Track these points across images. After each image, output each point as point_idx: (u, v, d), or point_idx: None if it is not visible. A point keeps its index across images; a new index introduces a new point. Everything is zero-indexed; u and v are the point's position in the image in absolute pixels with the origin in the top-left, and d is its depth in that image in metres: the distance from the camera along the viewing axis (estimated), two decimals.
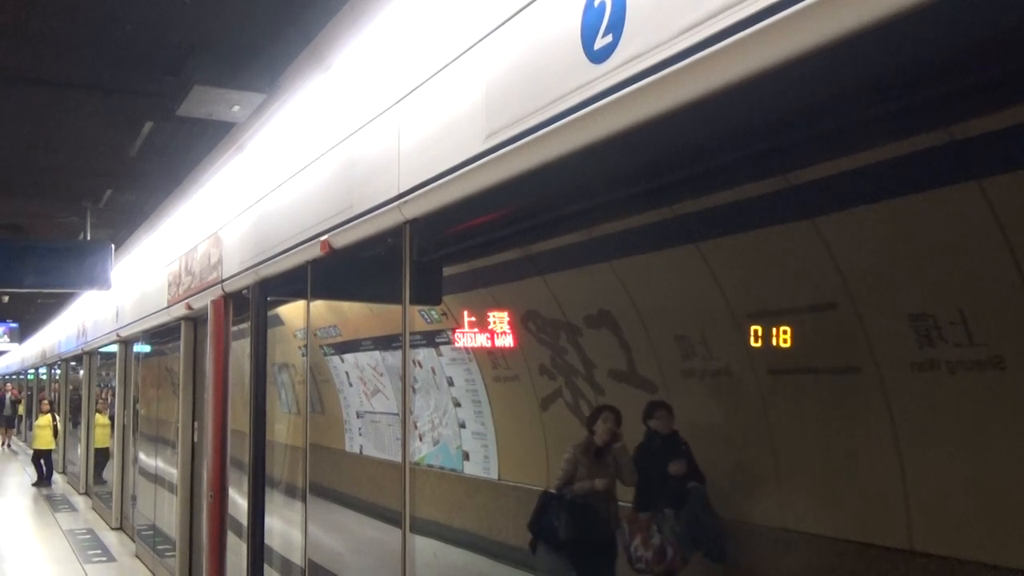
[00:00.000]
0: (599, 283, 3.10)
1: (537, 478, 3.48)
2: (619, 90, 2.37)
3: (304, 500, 5.08)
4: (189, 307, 7.83)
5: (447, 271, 3.92)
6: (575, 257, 3.17)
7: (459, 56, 3.26)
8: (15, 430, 30.11)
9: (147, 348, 11.41)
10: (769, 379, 2.51)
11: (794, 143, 2.21)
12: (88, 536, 12.45)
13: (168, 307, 8.93)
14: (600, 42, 2.46)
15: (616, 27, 2.39)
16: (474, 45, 3.15)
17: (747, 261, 2.59)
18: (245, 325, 6.37)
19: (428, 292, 3.84)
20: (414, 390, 3.99)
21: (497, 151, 2.97)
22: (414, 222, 3.67)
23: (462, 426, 3.85)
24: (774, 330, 2.39)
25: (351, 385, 4.98)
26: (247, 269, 5.99)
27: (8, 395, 29.92)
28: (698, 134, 2.32)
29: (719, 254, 2.63)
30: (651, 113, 2.30)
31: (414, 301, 3.78)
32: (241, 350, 6.56)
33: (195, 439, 8.44)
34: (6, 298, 18.72)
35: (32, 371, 31.25)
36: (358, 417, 4.90)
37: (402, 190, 3.68)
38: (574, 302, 3.20)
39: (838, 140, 2.13)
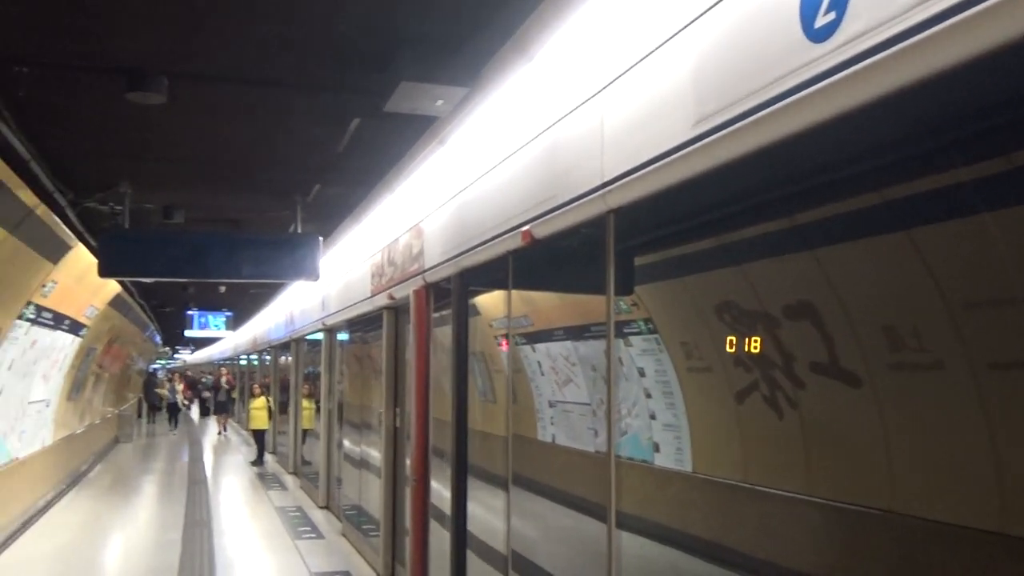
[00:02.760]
0: (800, 272, 3.04)
1: (732, 472, 3.45)
2: (841, 71, 2.32)
3: (507, 489, 5.22)
4: (391, 297, 8.18)
5: (641, 260, 3.94)
6: (776, 246, 3.12)
7: (666, 40, 3.27)
8: (230, 415, 31.39)
9: (349, 336, 11.98)
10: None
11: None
12: (297, 514, 13.23)
13: (371, 297, 9.34)
14: (821, 20, 2.41)
15: (839, 3, 2.34)
16: (682, 28, 3.15)
17: (965, 249, 2.48)
18: (444, 314, 6.60)
19: (625, 281, 3.87)
20: (606, 381, 4.03)
21: (706, 138, 2.96)
22: (618, 211, 3.71)
23: (652, 417, 3.84)
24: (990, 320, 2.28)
25: (543, 375, 5.06)
26: (448, 260, 6.20)
27: (223, 379, 30.97)
28: (928, 115, 2.23)
29: (933, 242, 2.53)
30: (875, 95, 2.23)
31: (616, 291, 3.83)
32: (441, 339, 6.81)
33: (397, 425, 8.81)
34: (223, 288, 20.13)
35: (244, 357, 33.39)
36: (550, 406, 4.97)
37: (606, 179, 3.73)
38: (772, 292, 3.15)
39: None
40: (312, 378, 17.29)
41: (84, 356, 16.20)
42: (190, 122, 7.14)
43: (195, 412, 37.42)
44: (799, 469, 3.10)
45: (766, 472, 3.25)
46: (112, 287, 14.93)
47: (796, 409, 3.06)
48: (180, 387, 32.85)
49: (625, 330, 3.94)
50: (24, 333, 11.05)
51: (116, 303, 16.59)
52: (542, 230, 4.50)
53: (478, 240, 5.51)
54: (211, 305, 25.37)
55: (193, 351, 58.86)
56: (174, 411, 31.33)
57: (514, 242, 4.85)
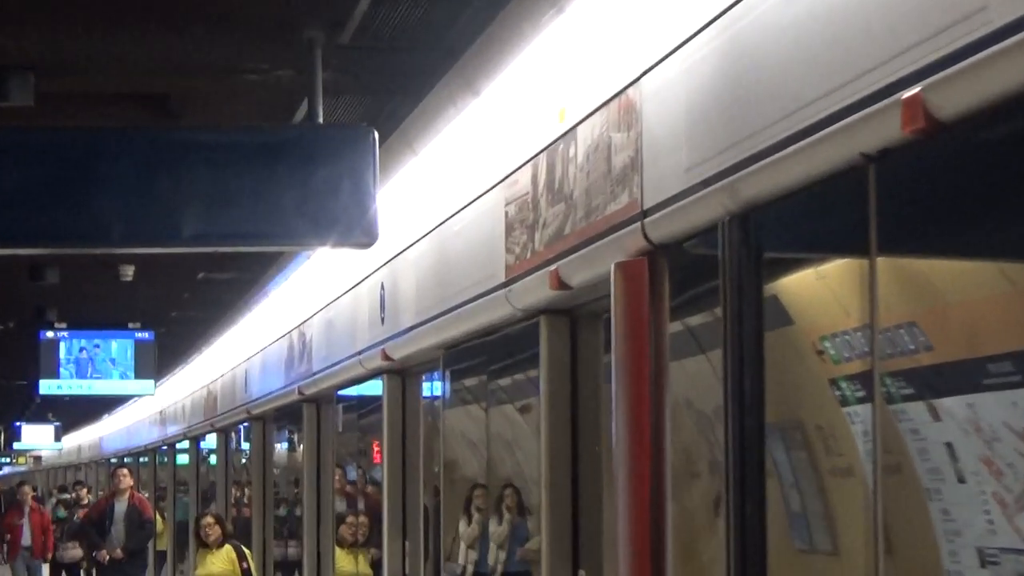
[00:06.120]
0: None
1: None
2: None
3: None
4: (559, 282, 8.33)
5: None
6: None
7: None
8: None
9: (450, 385, 12.18)
10: None
11: None
12: None
13: (505, 284, 9.61)
14: None
15: None
16: None
17: None
18: (697, 322, 6.67)
19: None
20: None
21: None
22: None
23: None
24: None
25: (961, 480, 5.08)
26: (706, 181, 6.30)
27: (124, 506, 30.65)
28: None
29: None
30: None
31: None
32: (690, 386, 6.89)
33: None
34: (131, 270, 20.79)
35: (184, 443, 34.55)
36: (985, 565, 5.00)
37: None
38: None
39: None
40: (355, 492, 17.56)
41: None
42: None
43: None
44: None
45: None
46: None
47: None
48: None
49: None
50: None
51: None
52: (954, 98, 4.56)
53: (784, 131, 5.57)
54: (102, 317, 26.32)
55: (60, 432, 61.06)
56: None
57: (881, 130, 4.92)
